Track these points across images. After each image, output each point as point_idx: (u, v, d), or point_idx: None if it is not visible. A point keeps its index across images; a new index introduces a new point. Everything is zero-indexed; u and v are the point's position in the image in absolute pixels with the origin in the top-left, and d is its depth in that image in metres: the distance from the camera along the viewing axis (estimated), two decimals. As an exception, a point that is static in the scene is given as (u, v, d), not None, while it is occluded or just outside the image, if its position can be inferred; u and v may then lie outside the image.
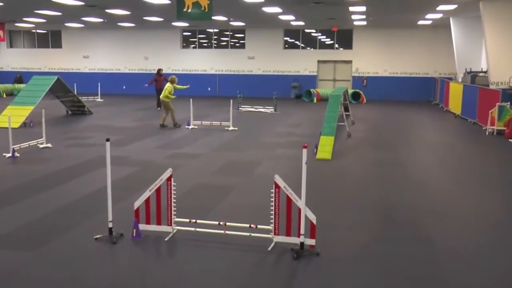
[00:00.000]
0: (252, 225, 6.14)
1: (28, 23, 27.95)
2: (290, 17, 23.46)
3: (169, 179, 6.23)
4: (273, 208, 5.95)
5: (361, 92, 27.14)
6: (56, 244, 6.09)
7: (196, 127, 16.36)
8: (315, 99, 26.81)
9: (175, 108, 16.94)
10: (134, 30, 30.61)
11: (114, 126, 16.89)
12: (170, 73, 29.98)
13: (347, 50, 29.16)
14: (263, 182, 9.08)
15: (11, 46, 33.25)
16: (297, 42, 29.94)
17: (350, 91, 26.78)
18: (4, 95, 27.97)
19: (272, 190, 5.95)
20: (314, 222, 5.82)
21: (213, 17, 20.47)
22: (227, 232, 6.17)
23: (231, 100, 16.74)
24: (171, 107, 16.55)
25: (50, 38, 32.55)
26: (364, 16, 22.79)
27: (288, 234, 5.97)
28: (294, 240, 5.93)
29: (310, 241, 5.86)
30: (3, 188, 8.70)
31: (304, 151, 5.64)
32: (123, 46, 31.42)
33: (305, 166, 5.67)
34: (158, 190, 6.27)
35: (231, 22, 26.28)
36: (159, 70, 22.45)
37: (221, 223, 6.25)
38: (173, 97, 16.47)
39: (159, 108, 21.76)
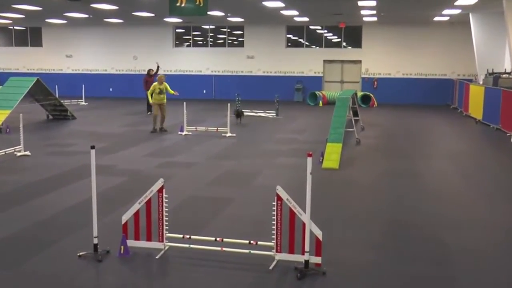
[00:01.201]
0: (252, 241, 6.14)
1: (5, 18, 28.02)
2: (293, 12, 23.55)
3: (160, 190, 6.24)
4: (274, 222, 5.96)
5: (371, 95, 27.19)
6: (35, 262, 6.09)
7: (190, 133, 16.39)
8: (320, 102, 26.86)
9: (158, 113, 16.92)
10: (122, 27, 30.70)
11: (100, 132, 16.92)
12: (165, 74, 30.15)
13: (356, 49, 29.26)
14: (264, 194, 9.07)
15: (-14, 44, 33.38)
16: (301, 40, 30.03)
17: (359, 93, 26.84)
18: (-22, 98, 28.02)
19: (273, 203, 5.96)
20: (320, 238, 5.82)
21: (209, 13, 20.51)
22: (224, 249, 6.17)
23: (229, 104, 16.78)
24: (156, 110, 16.78)
25: (29, 36, 32.64)
26: (374, 12, 22.89)
27: (291, 251, 5.97)
28: (298, 258, 5.93)
29: (316, 259, 5.87)
30: (-23, 201, 8.71)
31: (309, 159, 5.65)
32: (110, 44, 31.50)
33: (310, 176, 5.68)
34: (148, 203, 6.28)
35: (228, 18, 26.38)
36: (149, 70, 22.49)
37: (218, 239, 6.25)
38: (160, 98, 16.60)
39: (149, 113, 21.78)
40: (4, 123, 16.36)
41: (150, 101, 17.12)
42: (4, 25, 31.97)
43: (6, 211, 8.12)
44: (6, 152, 12.31)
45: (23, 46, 32.78)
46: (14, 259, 6.16)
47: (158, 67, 22.76)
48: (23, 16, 25.77)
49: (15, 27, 32.66)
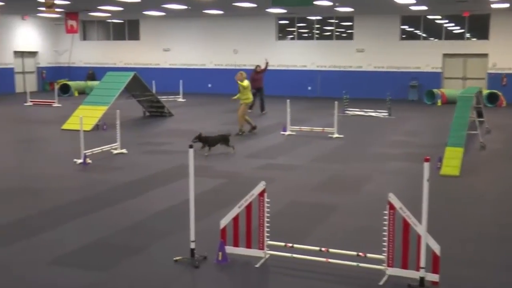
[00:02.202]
0: (360, 253, 6.09)
1: (103, 12, 29.51)
2: (409, 1, 23.04)
3: (261, 194, 6.32)
4: (386, 233, 5.88)
5: (499, 93, 26.07)
6: (130, 264, 6.38)
7: (293, 133, 16.48)
8: (439, 101, 26.10)
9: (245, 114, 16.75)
10: (221, 19, 31.37)
11: (198, 130, 17.33)
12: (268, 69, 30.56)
13: (481, 41, 28.13)
14: (374, 202, 8.98)
15: (84, 39, 35.24)
16: (417, 31, 29.32)
17: (485, 91, 25.80)
18: (76, 94, 29.69)
19: (385, 212, 5.88)
20: (438, 253, 5.67)
21: (315, 2, 20.56)
22: (329, 260, 6.16)
23: (336, 102, 16.70)
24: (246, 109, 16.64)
25: (127, 29, 34.14)
26: (505, -2, 21.91)
27: (404, 266, 5.86)
28: (412, 274, 5.81)
29: (432, 277, 5.72)
30: (73, 199, 9.25)
31: (426, 165, 5.53)
32: (209, 37, 32.26)
33: (426, 183, 5.56)
34: (248, 207, 6.38)
35: (336, 8, 26.25)
36: (257, 67, 22.52)
37: (323, 249, 6.25)
38: (242, 96, 16.43)
39: (263, 112, 21.97)
40: (101, 119, 17.23)
41: (235, 97, 16.84)
42: (102, 19, 33.64)
43: (100, 211, 8.56)
44: (103, 150, 12.95)
45: (120, 40, 34.33)
46: (108, 261, 6.48)
47: (267, 63, 22.74)
48: (121, 8, 27.02)
49: (113, 20, 34.28)
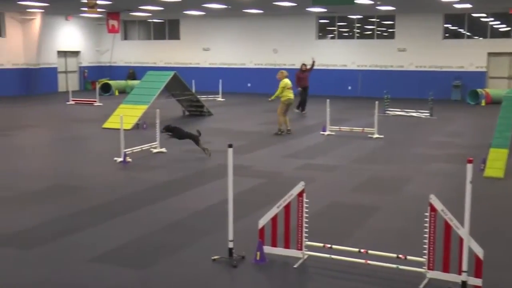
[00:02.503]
0: (400, 255, 6.03)
1: (145, 11, 29.86)
2: (454, -1, 22.71)
3: (300, 194, 6.31)
4: (427, 236, 5.81)
5: (546, 94, 25.46)
6: (168, 263, 6.44)
7: (333, 133, 16.41)
8: (483, 101, 25.65)
9: (286, 114, 16.68)
10: (261, 18, 31.42)
11: (236, 130, 17.46)
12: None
13: (528, 40, 27.54)
14: (414, 203, 8.89)
15: (125, 38, 35.72)
16: (461, 30, 28.85)
17: (531, 92, 25.24)
18: (116, 93, 30.10)
19: (426, 214, 5.81)
20: (481, 256, 5.58)
21: (356, 1, 20.43)
22: (369, 262, 6.12)
23: (376, 102, 16.55)
24: (285, 109, 16.49)
25: (167, 29, 34.48)
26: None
27: (445, 269, 5.78)
28: (453, 277, 5.73)
29: (475, 281, 5.62)
30: (113, 198, 9.38)
31: (469, 166, 5.44)
32: (248, 36, 32.35)
33: (469, 185, 5.47)
34: (287, 207, 6.38)
35: (378, 7, 26.04)
36: (302, 65, 22.31)
37: (362, 250, 6.21)
38: (291, 95, 16.44)
39: (303, 112, 21.92)
40: (141, 118, 17.43)
41: (271, 98, 16.79)
42: (143, 18, 34.05)
43: (140, 209, 8.66)
44: (143, 149, 13.10)
45: (161, 40, 34.68)
46: (147, 260, 6.55)
47: (313, 62, 22.50)
48: (162, 8, 27.29)
49: (154, 20, 34.65)
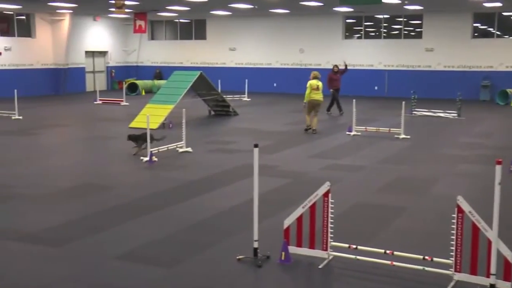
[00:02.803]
0: (426, 257, 5.98)
1: (171, 12, 30.04)
2: (483, -2, 22.44)
3: (325, 195, 6.29)
4: (454, 237, 5.75)
5: None
6: (193, 262, 6.46)
7: (359, 133, 16.32)
8: (512, 102, 25.32)
9: (310, 113, 16.86)
10: (288, 18, 31.39)
11: (262, 130, 17.47)
12: (329, 69, 30.36)
13: (559, 39, 27.11)
14: (441, 205, 8.80)
15: (152, 38, 35.97)
16: (490, 29, 28.49)
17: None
18: (143, 93, 30.33)
19: (453, 215, 5.76)
20: (510, 259, 5.50)
21: (383, 0, 20.30)
22: (394, 263, 6.08)
23: (403, 102, 16.43)
24: (310, 108, 16.72)
25: (194, 29, 34.63)
26: None
27: (473, 272, 5.71)
28: (481, 280, 5.67)
29: (504, 284, 5.55)
30: (138, 196, 9.45)
31: (498, 167, 5.37)
32: (275, 36, 32.33)
33: (498, 187, 5.40)
34: (312, 208, 6.37)
35: (405, 6, 25.85)
36: (334, 67, 21.97)
37: (388, 251, 6.17)
38: (318, 95, 16.54)
39: (341, 112, 21.37)
40: (167, 118, 17.53)
41: (304, 101, 16.77)
42: (170, 18, 34.26)
43: (164, 209, 8.70)
44: (169, 148, 13.17)
45: (187, 40, 34.84)
46: (172, 259, 6.59)
47: (346, 66, 22.08)
48: (188, 8, 27.43)
49: (180, 20, 34.84)
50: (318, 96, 16.62)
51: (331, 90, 21.47)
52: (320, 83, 16.63)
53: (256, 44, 32.83)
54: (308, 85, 16.58)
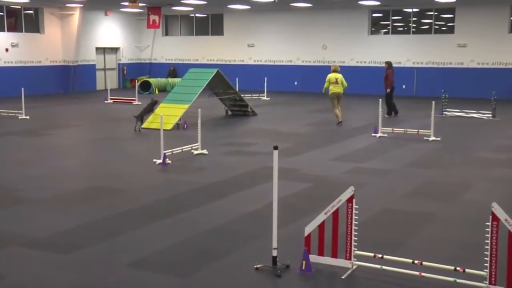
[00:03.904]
0: (458, 268, 5.94)
1: (187, 6, 30.14)
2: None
3: (349, 200, 6.28)
4: (488, 247, 5.70)
5: None
6: (209, 270, 6.48)
7: (385, 135, 16.26)
8: (551, 102, 25.07)
9: (335, 107, 18.65)
10: (310, 12, 31.35)
11: (282, 131, 17.46)
12: (353, 66, 30.25)
13: None
14: (474, 212, 8.75)
15: (166, 34, 36.13)
16: (528, 23, 28.27)
17: None
18: (157, 91, 30.47)
19: (487, 223, 5.71)
20: (548, 270, 5.45)
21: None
22: (423, 274, 6.04)
23: (433, 102, 16.34)
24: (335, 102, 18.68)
25: (210, 24, 34.71)
26: None
27: (509, 285, 5.67)
28: (517, 292, 5.62)
29: (541, 297, 5.50)
30: (151, 201, 9.50)
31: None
32: (296, 32, 32.28)
33: (536, 192, 5.36)
34: (335, 214, 6.35)
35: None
36: (387, 62, 21.59)
37: (416, 261, 6.13)
38: (338, 88, 18.36)
39: (387, 116, 20.62)
40: (182, 118, 17.59)
41: (323, 90, 18.90)
42: (185, 13, 34.39)
43: (178, 214, 8.73)
44: (183, 150, 13.21)
45: (203, 35, 34.92)
46: (186, 267, 6.61)
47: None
48: (205, 2, 27.50)
49: (196, 15, 34.95)
50: (338, 89, 18.44)
51: (388, 90, 20.93)
52: (339, 76, 18.45)
53: (276, 40, 32.82)
54: (327, 79, 18.67)
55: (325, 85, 18.57)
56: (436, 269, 6.06)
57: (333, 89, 18.39)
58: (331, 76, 18.53)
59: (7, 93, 26.35)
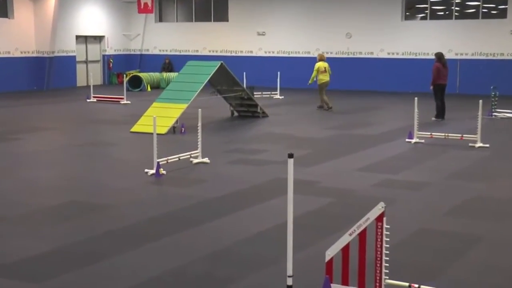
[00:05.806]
0: (509, 300, 5.95)
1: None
2: None
3: (379, 219, 6.27)
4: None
5: None
6: (212, 303, 6.50)
7: (422, 140, 16.24)
8: None
9: (324, 94, 22.68)
10: (332, -6, 31.46)
11: (298, 135, 17.46)
12: (384, 58, 30.29)
13: None
14: (529, 233, 8.74)
15: (160, 20, 36.20)
16: None
17: None
18: (149, 88, 30.55)
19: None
20: None
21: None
22: (467, 307, 6.05)
23: (480, 101, 16.34)
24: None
25: (213, 8, 34.70)
26: None
27: None
28: None
29: None
30: (142, 218, 9.51)
31: None
32: (314, 18, 32.25)
33: None
34: (362, 235, 6.34)
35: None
36: (436, 54, 21.18)
37: (459, 292, 6.14)
38: (326, 77, 22.31)
39: (435, 119, 20.56)
40: (179, 120, 17.61)
41: (310, 82, 23.36)
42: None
43: (176, 234, 8.75)
44: (180, 158, 13.21)
45: (204, 21, 34.93)
46: (186, 296, 6.63)
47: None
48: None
49: (195, -3, 35.09)
50: (327, 77, 22.86)
51: (435, 85, 20.49)
52: (326, 64, 22.94)
53: (291, 28, 32.83)
54: (316, 67, 22.80)
55: (313, 74, 22.84)
56: (483, 301, 6.08)
57: (323, 78, 22.81)
58: (320, 64, 22.88)
59: (-31, 90, 26.51)
